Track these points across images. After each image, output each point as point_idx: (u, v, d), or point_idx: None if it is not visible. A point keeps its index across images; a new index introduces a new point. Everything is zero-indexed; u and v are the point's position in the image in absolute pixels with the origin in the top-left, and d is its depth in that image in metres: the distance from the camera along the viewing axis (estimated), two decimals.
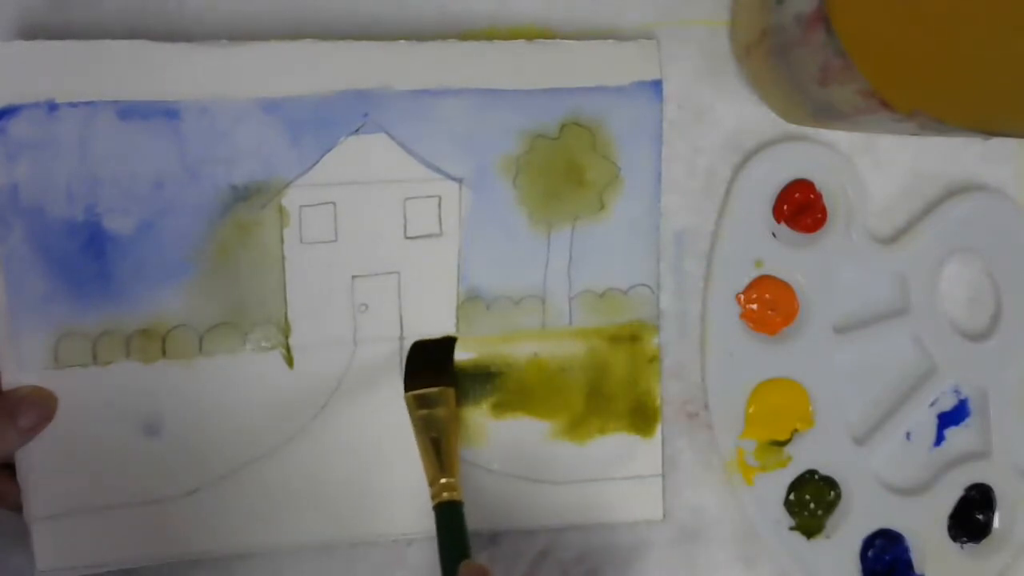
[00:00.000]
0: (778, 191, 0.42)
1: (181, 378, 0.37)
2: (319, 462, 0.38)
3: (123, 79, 0.35)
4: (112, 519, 0.36)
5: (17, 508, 0.36)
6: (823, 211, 0.42)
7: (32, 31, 0.36)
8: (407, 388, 0.38)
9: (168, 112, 0.36)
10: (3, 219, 0.35)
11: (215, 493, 0.37)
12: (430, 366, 0.39)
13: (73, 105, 0.35)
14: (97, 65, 0.35)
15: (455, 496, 0.36)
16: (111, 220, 0.36)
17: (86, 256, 0.35)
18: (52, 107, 0.35)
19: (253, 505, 0.37)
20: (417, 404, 0.38)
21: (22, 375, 0.36)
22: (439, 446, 0.37)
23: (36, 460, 0.36)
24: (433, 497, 0.36)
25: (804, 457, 0.42)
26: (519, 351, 0.39)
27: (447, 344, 0.39)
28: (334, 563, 0.40)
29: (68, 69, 0.35)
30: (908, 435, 0.43)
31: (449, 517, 0.36)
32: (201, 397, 0.37)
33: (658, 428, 0.41)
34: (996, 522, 0.43)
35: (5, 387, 0.35)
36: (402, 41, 0.37)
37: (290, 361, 0.38)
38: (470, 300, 0.39)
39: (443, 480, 0.36)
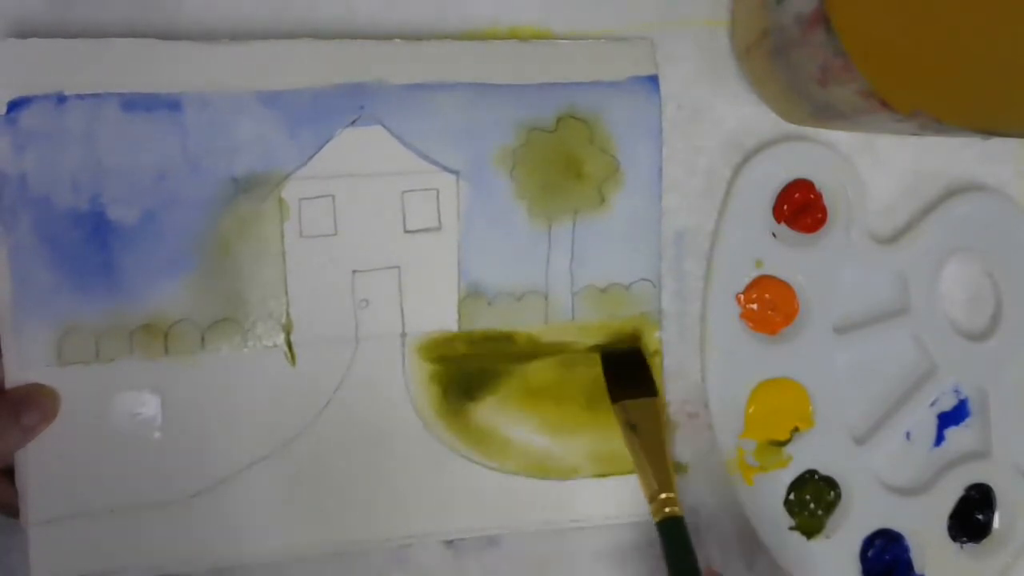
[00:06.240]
0: (778, 191, 0.42)
1: (183, 375, 0.37)
2: (321, 463, 0.38)
3: (128, 73, 0.36)
4: (111, 525, 0.36)
5: (14, 514, 0.36)
6: (823, 211, 0.42)
7: (30, 32, 0.36)
8: (615, 398, 0.38)
9: (171, 104, 0.36)
10: (12, 209, 0.35)
11: (216, 497, 0.37)
12: (631, 376, 0.39)
13: (81, 97, 0.35)
14: (104, 60, 0.36)
15: (676, 511, 0.36)
16: (115, 210, 0.36)
17: (90, 246, 0.36)
18: (61, 99, 0.35)
19: (254, 509, 0.37)
20: (628, 416, 0.38)
21: (25, 373, 0.36)
22: (655, 460, 0.37)
23: (35, 462, 0.36)
24: (654, 514, 0.36)
25: (804, 457, 0.42)
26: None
27: (638, 355, 0.39)
28: (334, 564, 0.40)
29: (76, 63, 0.35)
30: (908, 435, 0.43)
31: (674, 533, 0.36)
32: (203, 396, 0.37)
33: None
34: (996, 522, 0.43)
35: (8, 385, 0.36)
36: (398, 40, 0.38)
37: (292, 358, 0.38)
38: (472, 296, 0.39)
39: (663, 496, 0.36)
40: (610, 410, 0.40)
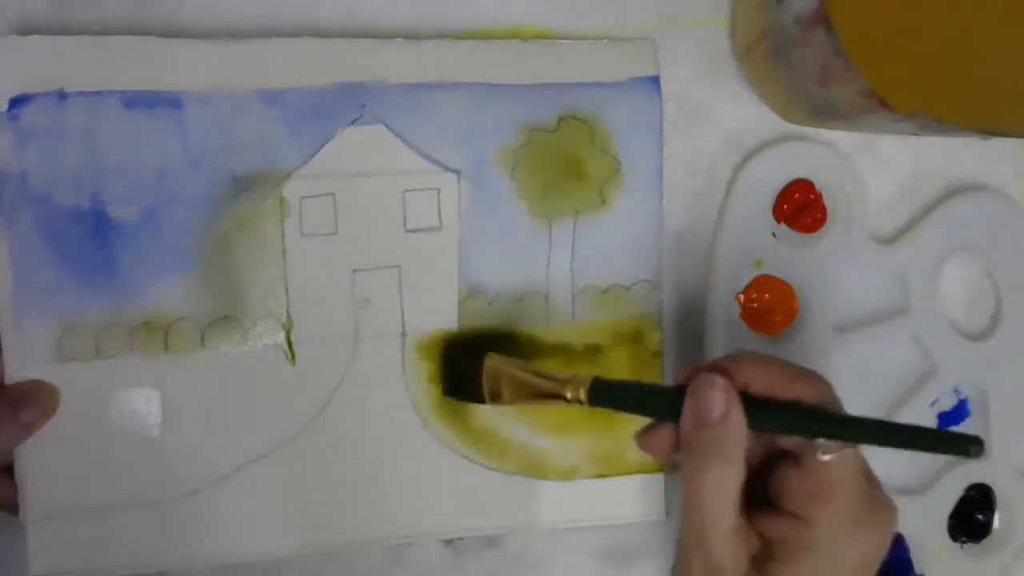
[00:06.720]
0: (778, 191, 0.42)
1: (183, 373, 0.37)
2: (320, 462, 0.38)
3: (129, 71, 0.36)
4: (110, 522, 0.36)
5: (13, 510, 0.36)
6: (823, 211, 0.42)
7: (32, 29, 0.36)
8: (481, 400, 0.37)
9: (172, 102, 0.36)
10: (12, 206, 0.35)
11: (215, 494, 0.37)
12: (459, 362, 0.38)
13: (82, 94, 0.35)
14: (105, 58, 0.36)
15: (584, 384, 0.33)
16: (115, 208, 0.36)
17: (91, 244, 0.36)
18: (62, 96, 0.35)
19: (253, 507, 0.37)
20: (492, 396, 0.36)
21: (25, 369, 0.36)
22: (533, 389, 0.35)
23: (35, 458, 0.36)
24: (584, 403, 0.34)
25: None
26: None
27: (448, 350, 0.39)
28: (334, 564, 0.40)
29: (78, 61, 0.35)
30: None
31: (604, 393, 0.33)
32: (203, 394, 0.37)
33: None
34: (996, 522, 0.43)
35: (8, 381, 0.36)
36: (399, 39, 0.38)
37: (292, 357, 0.38)
38: (472, 296, 0.39)
39: (568, 392, 0.34)
40: (610, 411, 0.40)
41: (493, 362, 0.36)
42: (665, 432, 0.32)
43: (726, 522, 0.30)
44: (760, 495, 0.32)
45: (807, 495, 0.30)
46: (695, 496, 0.30)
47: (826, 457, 0.30)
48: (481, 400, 0.37)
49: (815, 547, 0.30)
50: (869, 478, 0.31)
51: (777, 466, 0.32)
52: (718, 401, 0.30)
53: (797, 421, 0.31)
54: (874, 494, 0.31)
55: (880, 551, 0.31)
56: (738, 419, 0.30)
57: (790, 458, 0.31)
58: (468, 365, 0.37)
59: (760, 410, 0.31)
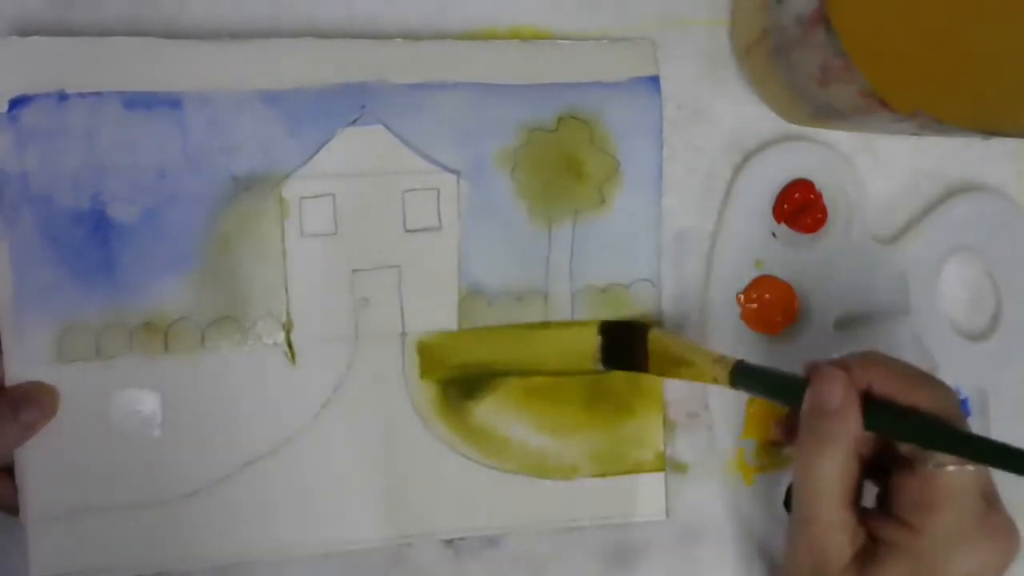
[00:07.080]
0: (778, 191, 0.42)
1: (183, 373, 0.37)
2: (320, 462, 0.38)
3: (129, 71, 0.36)
4: (111, 522, 0.36)
5: (14, 511, 0.36)
6: (823, 211, 0.42)
7: (32, 30, 0.36)
8: (643, 369, 0.39)
9: (172, 102, 0.36)
10: (13, 207, 0.35)
11: (215, 495, 0.37)
12: (619, 336, 0.39)
13: (82, 95, 0.36)
14: (105, 58, 0.36)
15: (729, 366, 0.35)
16: (115, 208, 0.36)
17: (91, 244, 0.36)
18: (62, 97, 0.35)
19: (253, 507, 0.37)
20: (652, 367, 0.38)
21: (25, 370, 0.36)
22: (684, 364, 0.37)
23: (35, 459, 0.36)
24: (728, 383, 0.35)
25: None
26: None
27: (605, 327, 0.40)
28: (334, 564, 0.40)
29: (78, 62, 0.36)
30: None
31: (746, 376, 0.35)
32: (203, 393, 0.37)
33: (660, 423, 0.41)
34: None
35: (8, 382, 0.36)
36: (399, 39, 0.38)
37: (292, 357, 0.38)
38: (472, 295, 0.39)
39: (714, 373, 0.35)
40: (609, 409, 0.40)
41: (655, 335, 0.38)
42: (795, 421, 0.33)
43: (830, 511, 0.31)
44: (879, 496, 0.33)
45: (915, 503, 0.31)
46: (803, 482, 0.32)
47: (939, 469, 0.30)
48: (643, 370, 0.39)
49: (917, 555, 0.30)
50: (988, 498, 0.31)
51: (894, 470, 0.32)
52: (835, 394, 0.31)
53: (912, 429, 0.31)
54: (991, 514, 0.31)
55: (992, 574, 0.31)
56: (853, 415, 0.31)
57: (906, 464, 0.31)
58: (634, 338, 0.39)
59: (877, 412, 0.31)
